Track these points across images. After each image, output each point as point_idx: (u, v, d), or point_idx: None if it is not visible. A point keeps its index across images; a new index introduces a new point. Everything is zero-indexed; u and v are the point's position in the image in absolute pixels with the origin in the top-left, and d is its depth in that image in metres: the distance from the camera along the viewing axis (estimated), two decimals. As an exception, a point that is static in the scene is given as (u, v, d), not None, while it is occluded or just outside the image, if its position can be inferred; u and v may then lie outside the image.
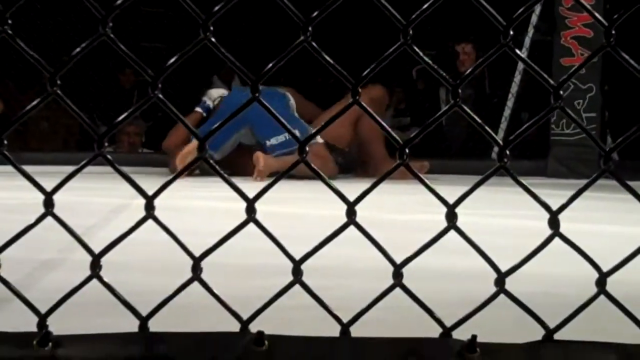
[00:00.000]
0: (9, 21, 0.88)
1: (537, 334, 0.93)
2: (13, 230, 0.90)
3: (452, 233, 0.92)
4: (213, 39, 0.90)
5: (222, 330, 0.90)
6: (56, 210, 0.89)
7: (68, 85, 0.97)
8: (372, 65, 0.92)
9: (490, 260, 0.93)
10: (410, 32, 0.90)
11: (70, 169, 0.90)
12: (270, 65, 0.90)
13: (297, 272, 0.92)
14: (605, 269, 0.95)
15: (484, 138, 0.94)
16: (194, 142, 4.61)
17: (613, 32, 0.92)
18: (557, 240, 0.93)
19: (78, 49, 0.89)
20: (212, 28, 0.89)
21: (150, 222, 0.91)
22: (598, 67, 5.54)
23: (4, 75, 7.10)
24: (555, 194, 2.66)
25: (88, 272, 0.90)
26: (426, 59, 0.92)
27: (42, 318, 0.89)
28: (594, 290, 0.94)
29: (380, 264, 0.94)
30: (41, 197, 0.89)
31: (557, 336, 0.93)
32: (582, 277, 0.99)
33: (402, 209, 3.10)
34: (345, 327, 0.92)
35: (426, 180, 0.91)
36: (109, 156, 0.90)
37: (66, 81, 0.90)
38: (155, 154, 6.08)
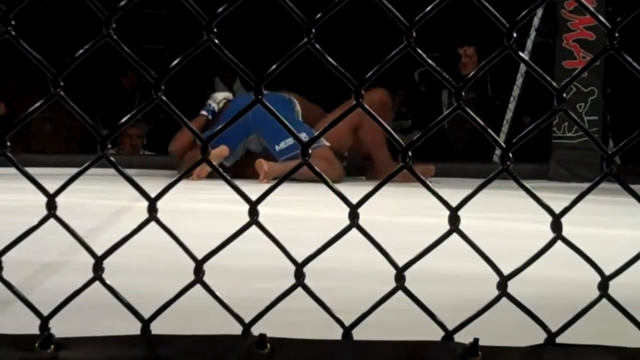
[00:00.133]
0: (12, 22, 0.88)
1: (539, 337, 0.93)
2: (15, 232, 0.90)
3: (454, 236, 0.92)
4: (216, 41, 0.90)
5: (224, 333, 0.90)
6: (59, 213, 0.89)
7: (70, 88, 0.97)
8: (375, 68, 0.91)
9: (492, 264, 0.93)
10: (414, 34, 0.90)
11: (72, 170, 0.90)
12: (274, 67, 0.90)
13: (299, 275, 0.92)
14: (607, 272, 0.95)
15: (486, 141, 0.94)
16: (220, 148, 4.65)
17: (616, 34, 0.92)
18: (559, 243, 0.93)
19: (81, 50, 0.89)
20: (215, 30, 0.89)
21: (152, 224, 0.91)
22: (600, 70, 5.53)
23: (6, 77, 7.10)
24: (557, 197, 2.66)
25: (90, 275, 0.90)
26: (430, 61, 0.92)
27: (44, 320, 0.89)
28: (596, 293, 0.94)
29: (383, 267, 0.94)
30: (44, 199, 0.89)
31: (559, 339, 0.92)
32: (584, 280, 0.99)
33: (404, 212, 3.09)
34: (347, 330, 0.92)
35: (429, 183, 0.91)
36: (112, 158, 0.90)
37: (68, 83, 0.90)
38: (157, 156, 6.08)
